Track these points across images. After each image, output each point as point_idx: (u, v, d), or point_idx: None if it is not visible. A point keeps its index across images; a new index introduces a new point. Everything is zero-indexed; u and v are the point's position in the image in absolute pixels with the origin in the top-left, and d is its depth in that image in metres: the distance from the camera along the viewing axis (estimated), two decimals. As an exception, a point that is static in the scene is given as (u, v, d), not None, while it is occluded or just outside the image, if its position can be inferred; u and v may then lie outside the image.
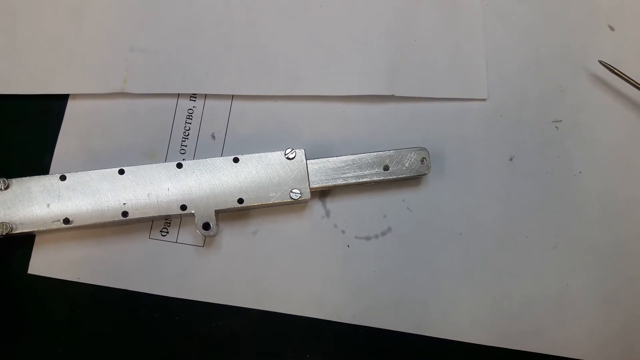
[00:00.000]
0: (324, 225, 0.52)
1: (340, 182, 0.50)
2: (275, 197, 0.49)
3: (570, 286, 0.51)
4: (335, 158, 0.51)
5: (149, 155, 0.52)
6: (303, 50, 0.55)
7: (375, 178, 0.51)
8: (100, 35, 0.54)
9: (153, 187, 0.48)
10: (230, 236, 0.51)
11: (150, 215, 0.48)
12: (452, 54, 0.55)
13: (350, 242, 0.52)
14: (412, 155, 0.51)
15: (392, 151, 0.51)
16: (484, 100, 0.55)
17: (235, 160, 0.49)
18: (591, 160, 0.54)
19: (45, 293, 0.50)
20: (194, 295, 0.50)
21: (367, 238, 0.52)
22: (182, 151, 0.53)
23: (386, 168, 0.51)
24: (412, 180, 0.52)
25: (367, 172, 0.51)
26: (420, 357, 0.51)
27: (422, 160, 0.51)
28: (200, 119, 0.53)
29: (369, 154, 0.51)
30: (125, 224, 0.50)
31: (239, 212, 0.51)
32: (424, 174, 0.51)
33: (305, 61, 0.54)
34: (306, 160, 0.50)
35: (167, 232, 0.51)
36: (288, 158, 0.50)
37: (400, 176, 0.51)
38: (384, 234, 0.52)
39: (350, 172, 0.50)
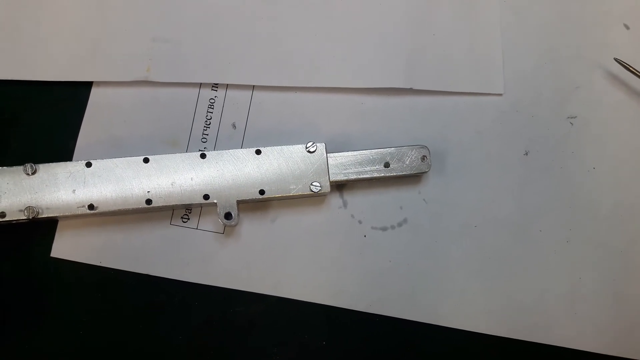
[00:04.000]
0: (341, 215, 0.53)
1: (341, 177, 0.51)
2: (295, 190, 0.50)
3: (583, 280, 0.52)
4: (337, 154, 0.51)
5: (171, 143, 0.53)
6: (323, 42, 0.55)
7: (375, 175, 0.51)
8: (124, 24, 0.55)
9: (177, 176, 0.49)
10: (249, 224, 0.52)
11: (174, 203, 0.49)
12: (470, 49, 0.56)
13: (366, 233, 0.53)
14: (412, 153, 0.52)
15: (393, 148, 0.52)
16: (500, 95, 0.55)
17: (258, 152, 0.50)
18: (605, 157, 0.54)
19: (67, 276, 0.51)
20: (213, 281, 0.51)
21: (384, 229, 0.53)
22: (204, 140, 0.53)
23: (387, 165, 0.51)
24: (424, 174, 0.53)
25: (367, 168, 0.51)
26: (433, 346, 0.52)
27: (422, 158, 0.52)
28: (222, 109, 0.54)
29: (369, 150, 0.51)
30: (148, 212, 0.51)
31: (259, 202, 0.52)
32: (424, 172, 0.52)
33: (324, 53, 0.55)
34: (326, 153, 0.51)
35: (188, 219, 0.52)
36: (309, 151, 0.50)
37: (400, 173, 0.52)
38: (400, 225, 0.53)
39: (351, 168, 0.51)
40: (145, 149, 0.53)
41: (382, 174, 0.51)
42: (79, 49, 0.54)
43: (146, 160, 0.49)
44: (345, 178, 0.51)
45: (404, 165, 0.51)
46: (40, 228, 0.51)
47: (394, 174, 0.51)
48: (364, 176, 0.51)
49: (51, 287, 0.51)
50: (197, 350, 0.51)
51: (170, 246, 0.52)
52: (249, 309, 0.51)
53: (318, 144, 0.50)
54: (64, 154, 0.53)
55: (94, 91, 0.54)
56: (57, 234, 0.51)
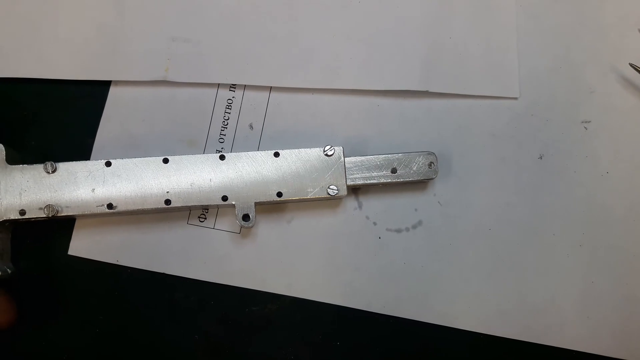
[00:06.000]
0: (357, 216, 0.53)
1: (348, 182, 0.51)
2: (312, 193, 0.50)
3: (595, 283, 0.53)
4: (345, 159, 0.51)
5: (189, 143, 0.53)
6: (340, 44, 0.56)
7: (382, 180, 0.51)
8: (142, 24, 0.55)
9: (196, 177, 0.50)
10: (265, 224, 0.53)
11: (192, 204, 0.49)
12: (486, 53, 0.56)
13: (381, 234, 0.53)
14: (420, 159, 0.52)
15: (400, 154, 0.52)
16: (515, 98, 0.56)
17: (276, 154, 0.50)
18: (618, 161, 0.55)
19: (84, 274, 0.52)
20: (229, 281, 0.52)
21: (398, 230, 0.53)
22: (221, 140, 0.54)
23: (394, 171, 0.51)
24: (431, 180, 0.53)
25: (374, 174, 0.51)
26: (446, 347, 0.52)
27: (429, 165, 0.52)
28: (239, 109, 0.54)
29: (376, 156, 0.52)
30: (166, 212, 0.51)
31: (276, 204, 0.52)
32: (431, 178, 0.52)
33: (342, 55, 0.55)
34: (344, 157, 0.51)
35: (205, 219, 0.53)
36: (327, 155, 0.51)
37: (407, 179, 0.52)
38: (414, 227, 0.53)
39: (358, 174, 0.51)
40: (163, 148, 0.53)
41: (389, 180, 0.51)
42: (97, 47, 0.54)
43: (166, 161, 0.50)
44: (352, 183, 0.51)
45: (411, 172, 0.52)
46: (58, 226, 0.52)
47: (401, 180, 0.52)
48: (371, 182, 0.51)
49: (68, 284, 0.52)
50: (212, 348, 0.51)
51: (186, 245, 0.52)
52: (264, 308, 0.52)
53: (335, 148, 0.51)
54: (82, 152, 0.53)
55: (113, 90, 0.54)
56: (74, 232, 0.52)
